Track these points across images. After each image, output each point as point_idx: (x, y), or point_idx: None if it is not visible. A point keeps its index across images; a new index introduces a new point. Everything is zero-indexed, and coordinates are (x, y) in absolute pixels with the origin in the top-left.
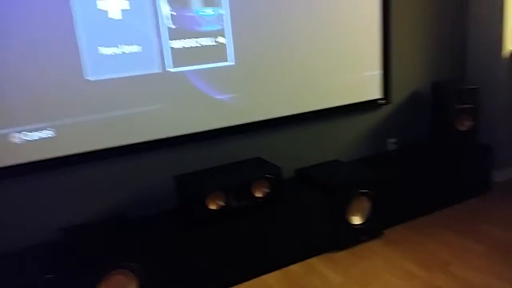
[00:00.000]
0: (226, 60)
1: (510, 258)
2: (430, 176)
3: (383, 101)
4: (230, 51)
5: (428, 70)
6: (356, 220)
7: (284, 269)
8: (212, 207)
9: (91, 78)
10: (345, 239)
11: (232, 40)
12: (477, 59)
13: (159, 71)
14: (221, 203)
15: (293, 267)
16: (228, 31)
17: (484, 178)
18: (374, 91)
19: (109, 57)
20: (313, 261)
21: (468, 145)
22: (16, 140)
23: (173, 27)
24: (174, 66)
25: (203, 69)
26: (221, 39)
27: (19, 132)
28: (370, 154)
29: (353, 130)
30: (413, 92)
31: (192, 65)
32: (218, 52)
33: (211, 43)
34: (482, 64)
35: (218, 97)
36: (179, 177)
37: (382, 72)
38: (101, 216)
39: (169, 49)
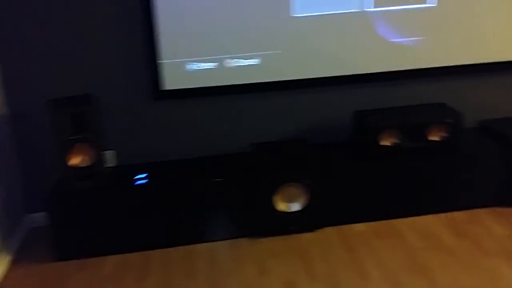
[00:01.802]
0: (427, 2)
1: None
2: None
3: None
4: None
5: None
6: None
7: (448, 213)
8: (385, 143)
9: (296, 15)
10: None
11: None
12: None
13: (359, 10)
14: (394, 141)
15: (457, 214)
16: None
17: None
18: None
19: None
20: (480, 211)
21: None
22: (230, 65)
23: None
24: (375, 6)
25: (402, 9)
26: None
27: (232, 59)
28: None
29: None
30: None
31: (392, 6)
32: None
33: None
34: None
35: (412, 39)
36: (359, 112)
37: None
38: (287, 138)
39: None
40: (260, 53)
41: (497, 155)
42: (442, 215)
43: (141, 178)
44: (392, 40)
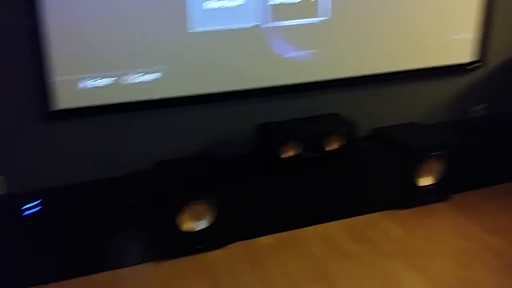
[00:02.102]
0: (319, 15)
1: None
2: (510, 145)
3: (476, 64)
4: (327, 5)
5: None
6: (426, 181)
7: (347, 219)
8: (286, 155)
9: (194, 30)
10: (411, 198)
11: None
12: None
13: (256, 25)
14: (295, 152)
15: (356, 219)
16: None
17: None
18: (464, 55)
19: (212, 11)
20: (376, 215)
21: None
22: (128, 81)
23: None
24: (272, 21)
25: (296, 24)
26: None
27: (130, 75)
28: (452, 119)
29: (437, 94)
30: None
31: (288, 20)
32: (311, 6)
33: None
34: None
35: (306, 52)
36: (261, 125)
37: (479, 33)
38: (192, 154)
39: (269, 4)
40: (159, 68)
41: (390, 161)
42: (343, 221)
43: (32, 206)
44: (288, 54)
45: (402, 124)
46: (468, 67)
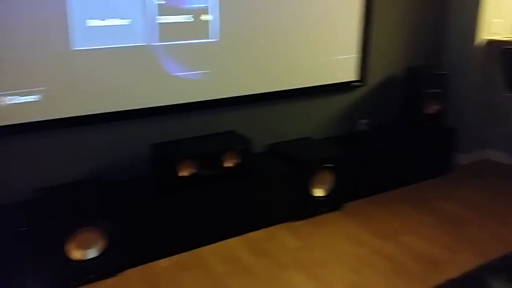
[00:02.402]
0: (210, 37)
1: (456, 229)
2: (394, 155)
3: (358, 83)
4: (215, 27)
5: (404, 55)
6: (319, 192)
7: (247, 234)
8: (183, 174)
9: (77, 48)
10: (308, 209)
11: (218, 17)
12: (453, 47)
13: (143, 44)
14: (191, 171)
15: (255, 233)
16: (215, 7)
17: (447, 160)
18: (348, 74)
19: (96, 29)
20: (275, 228)
21: (434, 128)
22: (5, 103)
23: (163, 2)
24: (160, 41)
25: (186, 44)
26: (206, 16)
27: (7, 96)
28: (342, 133)
29: (326, 110)
30: (388, 76)
31: (177, 40)
32: (201, 28)
33: (195, 20)
34: (457, 52)
35: (198, 72)
36: (155, 145)
37: (359, 55)
38: (80, 179)
39: (156, 24)
40: (39, 88)
41: (285, 174)
42: (243, 236)
43: None
44: (179, 73)
45: (296, 139)
46: (352, 84)
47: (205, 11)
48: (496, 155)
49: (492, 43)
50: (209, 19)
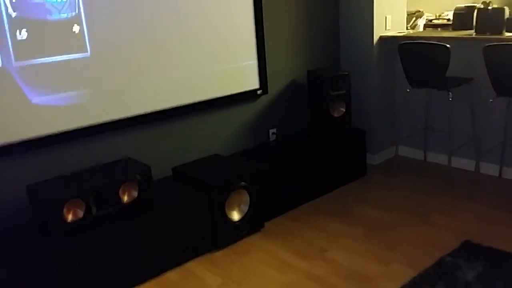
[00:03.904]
0: (80, 51)
1: (382, 237)
2: (308, 164)
3: (261, 92)
4: (85, 40)
5: (304, 59)
6: (235, 215)
7: (159, 277)
8: (71, 218)
9: None
10: (225, 236)
11: (86, 29)
12: (350, 47)
13: None
14: (81, 213)
15: (168, 274)
16: (83, 18)
17: (360, 163)
18: (252, 82)
19: None
20: (191, 264)
21: (343, 131)
22: None
23: (14, 14)
24: (18, 60)
25: (52, 62)
26: (74, 28)
27: None
28: (251, 146)
29: (231, 123)
30: (290, 82)
31: (40, 57)
32: (71, 42)
33: (62, 32)
34: (355, 51)
35: (72, 92)
36: (32, 186)
37: (257, 62)
38: None
39: (9, 41)
40: None
41: (195, 201)
42: (156, 280)
43: None
44: (48, 97)
45: (202, 158)
46: (256, 93)
47: (70, 22)
48: (406, 151)
49: (388, 39)
50: (75, 31)
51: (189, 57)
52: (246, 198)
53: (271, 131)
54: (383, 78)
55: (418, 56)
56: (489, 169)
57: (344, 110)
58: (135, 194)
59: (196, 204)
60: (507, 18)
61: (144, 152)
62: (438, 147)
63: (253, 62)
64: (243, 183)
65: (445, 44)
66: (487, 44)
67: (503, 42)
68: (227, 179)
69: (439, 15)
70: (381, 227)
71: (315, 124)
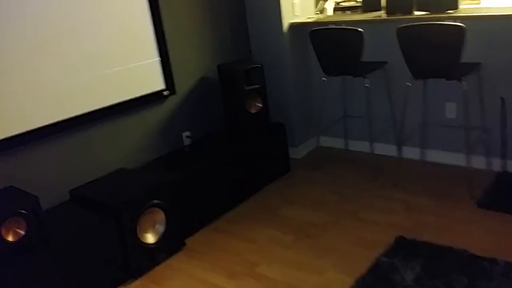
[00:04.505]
0: None
1: (314, 241)
2: (227, 167)
3: (168, 92)
4: None
5: (213, 53)
6: (150, 238)
7: None
8: None
9: None
10: (140, 264)
11: None
12: (260, 37)
13: None
14: None
15: None
16: None
17: (282, 159)
18: (156, 83)
19: None
20: None
21: (261, 128)
22: None
23: None
24: None
25: None
26: None
27: None
28: (164, 154)
29: (138, 130)
30: (200, 79)
31: None
32: None
33: None
34: (265, 41)
35: None
36: None
37: (160, 59)
38: None
39: None
40: None
41: (99, 228)
42: None
43: None
44: None
45: (105, 176)
46: (161, 94)
47: None
48: (328, 141)
49: (298, 26)
50: None
51: (79, 60)
52: (160, 216)
53: (184, 134)
54: (297, 67)
55: (330, 43)
56: (411, 152)
57: (260, 106)
58: (21, 231)
59: (100, 232)
60: None
61: (33, 176)
62: (359, 134)
63: (153, 61)
64: (155, 200)
65: (356, 28)
66: (399, 26)
67: (414, 22)
68: (136, 198)
69: None
70: (310, 230)
71: (232, 122)
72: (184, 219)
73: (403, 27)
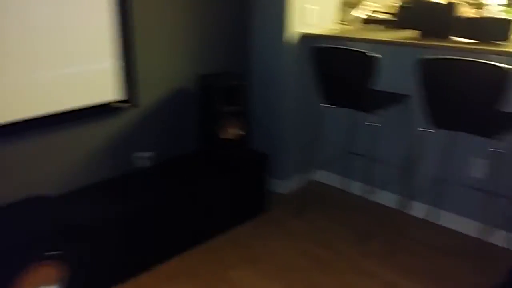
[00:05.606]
0: None
1: None
2: (178, 204)
3: (125, 104)
4: None
5: (194, 59)
6: None
7: None
8: None
9: None
10: None
11: None
12: (257, 45)
13: None
14: None
15: None
16: None
17: (257, 197)
18: (107, 91)
19: None
20: None
21: (239, 157)
22: None
23: None
24: None
25: None
26: None
27: None
28: (107, 177)
29: (79, 147)
30: (174, 90)
31: None
32: None
33: None
34: (263, 51)
35: None
36: None
37: (120, 63)
38: None
39: None
40: None
41: None
42: None
43: None
44: None
45: (8, 205)
46: (115, 106)
47: None
48: (325, 176)
49: (309, 38)
50: None
51: (7, 56)
52: (53, 274)
53: (144, 155)
54: (298, 88)
55: (332, 66)
56: (418, 209)
57: (239, 132)
58: None
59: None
60: (456, 17)
61: None
62: (362, 175)
63: (112, 64)
64: (47, 253)
65: (365, 51)
66: (422, 57)
67: (444, 55)
68: (19, 246)
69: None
70: None
71: (205, 147)
72: (97, 275)
73: (428, 59)
